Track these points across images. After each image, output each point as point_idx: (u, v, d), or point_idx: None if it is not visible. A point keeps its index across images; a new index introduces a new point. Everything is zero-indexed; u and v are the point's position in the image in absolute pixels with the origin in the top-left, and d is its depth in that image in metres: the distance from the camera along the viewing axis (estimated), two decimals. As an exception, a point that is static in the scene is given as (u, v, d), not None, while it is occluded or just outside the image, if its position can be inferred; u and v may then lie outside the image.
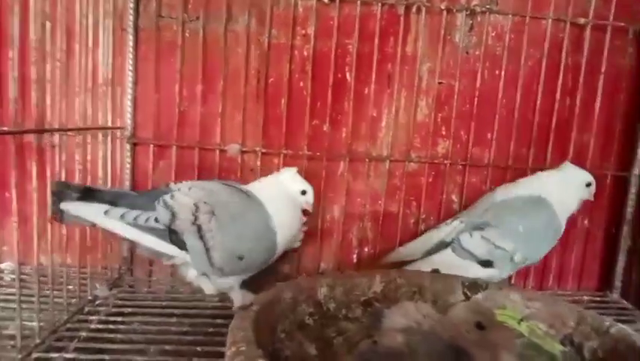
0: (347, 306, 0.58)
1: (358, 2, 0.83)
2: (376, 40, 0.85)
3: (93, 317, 0.70)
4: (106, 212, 0.64)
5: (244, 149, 0.86)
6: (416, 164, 0.89)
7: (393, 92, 0.88)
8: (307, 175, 0.85)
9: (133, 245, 0.85)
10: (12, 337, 0.58)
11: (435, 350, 0.41)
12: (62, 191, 0.64)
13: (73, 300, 0.71)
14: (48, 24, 0.61)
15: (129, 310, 0.74)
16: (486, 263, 0.75)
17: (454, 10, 0.86)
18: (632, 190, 0.88)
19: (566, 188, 0.78)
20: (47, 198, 0.64)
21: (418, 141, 0.89)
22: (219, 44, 0.84)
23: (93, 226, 0.66)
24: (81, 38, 0.72)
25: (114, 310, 0.73)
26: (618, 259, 0.90)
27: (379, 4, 0.84)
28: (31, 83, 0.59)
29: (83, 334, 0.65)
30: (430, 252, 0.79)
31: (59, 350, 0.60)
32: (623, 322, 0.78)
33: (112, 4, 0.78)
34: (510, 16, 0.86)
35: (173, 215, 0.66)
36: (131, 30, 0.83)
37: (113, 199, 0.66)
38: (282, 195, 0.73)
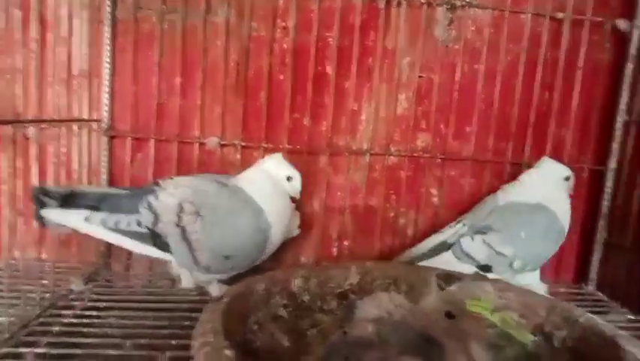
0: (322, 298, 0.58)
1: (338, -5, 0.83)
2: (357, 34, 0.84)
3: (67, 312, 0.69)
4: (86, 218, 0.64)
5: (223, 142, 0.85)
6: (396, 157, 0.89)
7: (373, 86, 0.87)
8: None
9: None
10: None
11: (405, 339, 0.41)
12: (42, 197, 0.63)
13: (47, 295, 0.70)
14: (18, 12, 0.60)
15: (105, 304, 0.73)
16: (485, 268, 0.75)
17: (434, 4, 0.86)
18: (608, 184, 0.89)
19: (549, 186, 0.78)
20: (21, 192, 0.63)
21: (398, 134, 0.89)
22: (198, 37, 0.83)
23: (75, 232, 0.65)
24: (55, 29, 0.71)
25: (89, 304, 0.72)
26: (594, 252, 0.91)
27: (360, -3, 0.84)
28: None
29: (56, 328, 0.64)
30: (432, 253, 0.79)
31: (30, 344, 0.59)
32: (597, 313, 0.79)
33: (88, -6, 0.77)
34: (489, 10, 0.87)
35: (156, 217, 0.66)
36: (108, 22, 0.81)
37: (95, 202, 0.65)
38: (269, 184, 0.71)
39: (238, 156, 0.85)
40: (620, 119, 0.88)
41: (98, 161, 0.84)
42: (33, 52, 0.65)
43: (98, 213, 0.64)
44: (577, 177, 0.84)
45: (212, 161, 0.86)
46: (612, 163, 0.89)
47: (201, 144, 0.85)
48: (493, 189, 0.91)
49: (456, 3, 0.86)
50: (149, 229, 0.65)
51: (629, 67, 0.86)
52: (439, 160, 0.90)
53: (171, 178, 0.72)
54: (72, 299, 0.73)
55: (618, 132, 0.88)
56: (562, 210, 0.78)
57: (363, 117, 0.89)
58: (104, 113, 0.83)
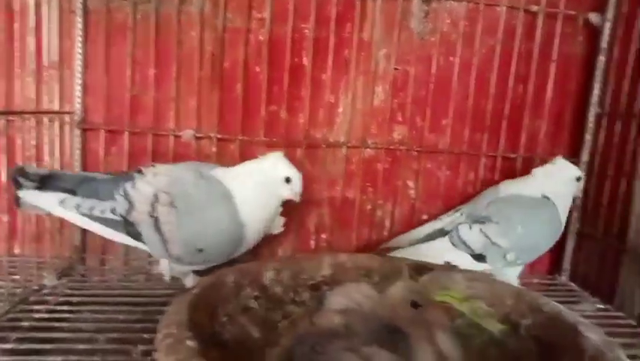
0: (294, 290, 0.58)
1: (314, -14, 0.82)
2: (333, 26, 0.84)
3: (39, 307, 0.68)
4: (61, 202, 0.63)
5: (199, 135, 0.84)
6: (373, 150, 0.90)
7: (350, 78, 0.87)
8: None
9: (85, 233, 0.85)
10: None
11: (371, 329, 0.42)
12: (20, 177, 0.63)
13: (18, 290, 0.69)
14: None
15: (78, 299, 0.72)
16: (479, 257, 0.75)
17: (410, -3, 0.86)
18: (581, 176, 0.91)
19: (558, 184, 0.79)
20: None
21: (375, 127, 0.90)
22: (172, 28, 0.82)
23: (49, 214, 0.65)
24: (23, 18, 0.70)
25: (62, 299, 0.72)
26: (567, 243, 0.92)
27: (336, -11, 0.84)
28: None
29: (26, 324, 0.63)
30: (428, 239, 0.80)
31: (-2, 340, 0.59)
32: (570, 303, 0.81)
33: (58, -16, 0.76)
34: (465, 3, 0.87)
35: (131, 206, 0.65)
36: (79, 12, 0.80)
37: (74, 186, 0.65)
38: (258, 183, 0.68)
39: (214, 149, 0.85)
40: (593, 111, 0.89)
41: (70, 154, 0.83)
42: None
43: (73, 198, 0.64)
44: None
45: (187, 153, 0.85)
46: (585, 155, 0.91)
47: (176, 137, 0.84)
48: (468, 181, 0.93)
49: (432, -5, 0.86)
50: (122, 217, 0.64)
51: (601, 60, 0.88)
52: (416, 152, 0.90)
53: (153, 166, 0.70)
54: (45, 294, 0.72)
55: (590, 124, 0.90)
56: (563, 206, 0.79)
57: (340, 110, 0.89)
58: (77, 105, 0.82)
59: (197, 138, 0.84)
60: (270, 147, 0.86)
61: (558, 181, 0.79)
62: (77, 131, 0.82)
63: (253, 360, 0.46)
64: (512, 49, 0.89)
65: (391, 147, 0.90)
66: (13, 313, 0.65)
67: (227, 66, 0.85)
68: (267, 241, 0.89)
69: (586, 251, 0.89)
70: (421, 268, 0.59)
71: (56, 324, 0.64)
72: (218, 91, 0.84)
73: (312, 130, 0.88)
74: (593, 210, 0.85)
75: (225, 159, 0.85)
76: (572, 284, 0.91)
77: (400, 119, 0.90)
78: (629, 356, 0.63)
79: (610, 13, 0.86)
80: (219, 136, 0.85)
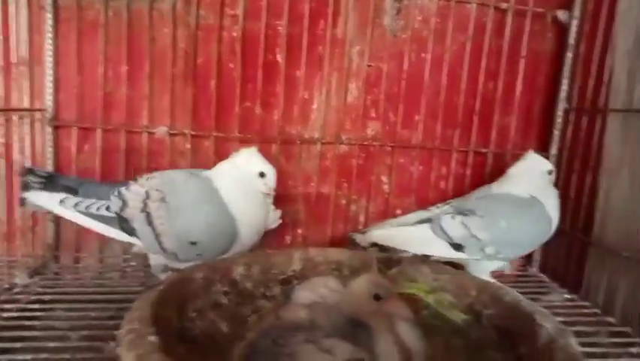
0: (265, 285, 0.59)
1: (287, -17, 0.83)
2: (306, 23, 0.85)
3: (9, 306, 0.68)
4: (61, 201, 0.68)
5: (173, 131, 0.84)
6: (347, 146, 0.91)
7: (324, 75, 0.88)
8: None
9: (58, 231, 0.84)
10: None
11: (334, 322, 0.43)
12: (29, 178, 0.68)
13: (-12, 289, 0.69)
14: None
15: (50, 297, 0.72)
16: (457, 246, 0.77)
17: (382, -6, 0.87)
18: (550, 169, 0.93)
19: (533, 179, 0.80)
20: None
21: (349, 123, 0.91)
22: (144, 24, 0.82)
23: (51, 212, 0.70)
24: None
25: (34, 298, 0.71)
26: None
27: (308, -14, 0.84)
28: None
29: (-5, 323, 0.63)
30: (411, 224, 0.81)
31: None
32: (540, 293, 0.84)
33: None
34: (436, 0, 0.88)
35: (124, 203, 0.68)
36: (49, 8, 0.79)
37: (75, 186, 0.69)
38: (237, 179, 0.70)
39: (188, 146, 0.85)
40: (561, 106, 0.92)
41: (42, 152, 0.82)
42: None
43: (73, 198, 0.68)
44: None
45: (161, 150, 0.85)
46: (553, 150, 0.93)
47: (150, 134, 0.84)
48: (441, 176, 0.94)
49: (403, -8, 0.87)
50: (116, 213, 0.68)
51: (569, 56, 0.90)
52: (389, 148, 0.92)
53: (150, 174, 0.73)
54: (16, 293, 0.72)
55: (559, 120, 0.92)
56: (551, 205, 0.80)
57: (314, 106, 0.89)
58: (48, 103, 0.81)
59: (171, 135, 0.84)
60: (245, 143, 0.86)
61: (534, 177, 0.81)
62: (49, 129, 0.82)
63: (221, 355, 0.47)
64: (483, 45, 0.90)
65: (365, 143, 0.91)
66: (-18, 312, 0.65)
67: (201, 63, 0.85)
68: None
69: (555, 244, 0.91)
70: (389, 262, 0.61)
71: (27, 323, 0.64)
72: (192, 88, 0.84)
73: (286, 126, 0.89)
74: (561, 204, 0.87)
75: (200, 156, 0.85)
76: (542, 275, 0.94)
77: (373, 115, 0.91)
78: (593, 342, 0.67)
79: (576, 11, 0.88)
80: (193, 133, 0.85)
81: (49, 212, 0.70)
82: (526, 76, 0.92)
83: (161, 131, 0.84)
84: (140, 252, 0.75)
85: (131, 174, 0.81)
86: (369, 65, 0.89)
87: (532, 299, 0.77)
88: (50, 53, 0.80)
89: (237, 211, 0.69)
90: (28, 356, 0.56)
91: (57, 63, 0.81)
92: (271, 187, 0.73)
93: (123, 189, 0.70)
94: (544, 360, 0.42)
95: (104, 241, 0.86)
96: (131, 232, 0.69)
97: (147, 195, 0.68)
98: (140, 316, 0.38)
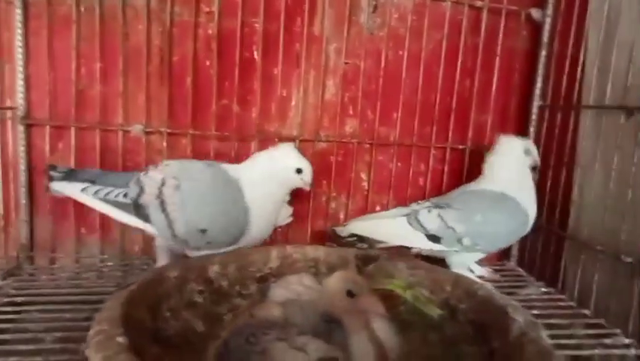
0: (241, 283, 0.59)
1: (262, -20, 0.82)
2: (283, 20, 0.84)
3: (-21, 308, 0.66)
4: (83, 189, 0.71)
5: (149, 129, 0.83)
6: (325, 143, 0.91)
7: (301, 72, 0.88)
8: (216, 156, 0.85)
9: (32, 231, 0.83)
10: None
11: (308, 319, 0.42)
12: (52, 172, 0.73)
13: (-43, 292, 0.67)
14: None
15: (23, 298, 0.70)
16: (433, 238, 0.78)
17: (359, -9, 0.87)
18: (526, 165, 0.94)
19: (511, 163, 0.82)
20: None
21: (327, 120, 0.91)
22: (118, 21, 0.80)
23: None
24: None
25: (6, 300, 0.70)
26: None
27: (284, -17, 0.84)
28: None
29: (-37, 326, 0.61)
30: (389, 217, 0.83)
31: None
32: (517, 287, 0.85)
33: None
34: (412, -3, 0.89)
35: (141, 190, 0.70)
36: (18, 3, 0.77)
37: (93, 178, 0.73)
38: (267, 172, 0.72)
39: (164, 144, 0.84)
40: (536, 103, 0.93)
41: (14, 151, 0.80)
42: None
43: (93, 186, 0.71)
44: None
45: (137, 149, 0.84)
46: (529, 145, 0.94)
47: (125, 132, 0.83)
48: (419, 172, 0.95)
49: (379, -10, 0.87)
50: (133, 200, 0.70)
51: (542, 54, 0.91)
52: (368, 145, 0.92)
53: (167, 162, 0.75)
54: (-13, 295, 0.70)
55: (534, 116, 0.93)
56: (526, 198, 0.81)
57: (292, 103, 0.89)
58: (20, 101, 0.79)
59: (147, 133, 0.83)
60: (223, 141, 0.86)
61: (510, 162, 0.82)
62: (21, 127, 0.80)
63: (196, 354, 0.47)
64: (459, 43, 0.91)
65: (343, 140, 0.91)
66: (-49, 316, 0.63)
67: (177, 60, 0.84)
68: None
69: (532, 238, 0.93)
70: (367, 258, 0.61)
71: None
72: (168, 85, 0.83)
73: (264, 124, 0.88)
74: (538, 199, 0.88)
75: (177, 154, 0.84)
76: (520, 269, 0.95)
77: (351, 112, 0.91)
78: (569, 333, 0.68)
79: (549, 9, 0.89)
80: (170, 131, 0.84)
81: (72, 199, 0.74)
82: (501, 73, 0.93)
83: (137, 129, 0.82)
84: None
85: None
86: (346, 63, 0.89)
87: (509, 293, 0.79)
88: (21, 49, 0.78)
89: (253, 203, 0.70)
90: (-1, 360, 0.54)
91: (28, 60, 0.79)
92: (307, 182, 0.75)
93: (142, 175, 0.72)
94: (516, 353, 0.43)
95: (80, 241, 0.85)
96: (145, 218, 0.70)
97: (163, 182, 0.70)
98: (110, 316, 0.38)
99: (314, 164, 0.89)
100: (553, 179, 0.89)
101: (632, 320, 0.68)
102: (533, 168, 0.85)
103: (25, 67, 0.79)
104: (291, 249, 0.62)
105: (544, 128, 0.92)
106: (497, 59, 0.92)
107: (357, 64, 0.89)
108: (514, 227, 0.81)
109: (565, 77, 0.86)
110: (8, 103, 0.79)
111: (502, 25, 0.91)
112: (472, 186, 0.84)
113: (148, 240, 0.86)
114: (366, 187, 0.93)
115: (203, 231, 0.69)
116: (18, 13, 0.77)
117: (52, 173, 0.73)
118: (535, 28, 0.93)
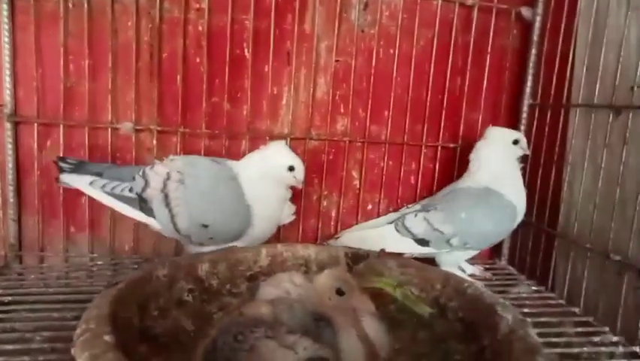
0: (231, 281, 0.58)
1: (252, -23, 0.82)
2: (273, 17, 0.84)
3: (-34, 309, 0.65)
4: (91, 183, 0.72)
5: (138, 127, 0.82)
6: (316, 141, 0.90)
7: (292, 70, 0.88)
8: (207, 154, 0.85)
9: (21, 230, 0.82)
10: None
11: (297, 317, 0.42)
12: (61, 163, 0.73)
13: (-57, 292, 0.66)
14: None
15: (11, 298, 0.70)
16: (422, 242, 0.78)
17: (348, -12, 0.87)
18: (517, 164, 0.95)
19: (498, 153, 0.82)
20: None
21: (318, 118, 0.90)
22: (106, 17, 0.79)
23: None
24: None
25: (-6, 299, 0.69)
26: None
27: (274, -21, 0.83)
28: None
29: (-49, 327, 0.61)
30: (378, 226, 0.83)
31: None
32: (508, 286, 0.85)
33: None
34: (402, -5, 0.89)
35: (146, 184, 0.70)
36: (5, -1, 0.76)
37: (100, 171, 0.73)
38: (262, 170, 0.72)
39: (154, 142, 0.83)
40: (526, 102, 0.93)
41: (2, 149, 0.79)
42: None
43: (101, 180, 0.72)
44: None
45: (127, 147, 0.83)
46: (520, 144, 0.94)
47: (114, 130, 0.82)
48: (411, 171, 0.95)
49: (369, -13, 0.87)
50: (137, 194, 0.70)
51: (533, 52, 0.91)
52: (359, 144, 0.92)
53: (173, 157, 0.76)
54: (-27, 295, 0.69)
55: (524, 114, 0.94)
56: (513, 190, 0.81)
57: (283, 101, 0.89)
58: (7, 98, 0.78)
59: (137, 131, 0.83)
60: (213, 139, 0.85)
61: (498, 154, 0.82)
62: (8, 125, 0.79)
63: (185, 352, 0.46)
64: (449, 41, 0.91)
65: (335, 139, 0.91)
66: (-64, 316, 0.62)
67: (166, 57, 0.83)
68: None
69: (522, 236, 0.94)
70: (357, 257, 0.61)
71: (-15, 325, 0.62)
72: (157, 82, 0.83)
73: (255, 122, 0.88)
74: (528, 198, 0.89)
75: (167, 152, 0.83)
76: (511, 268, 0.95)
77: (342, 110, 0.91)
78: (559, 331, 0.68)
79: (540, 8, 0.90)
80: (159, 128, 0.83)
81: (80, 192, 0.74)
82: (492, 72, 0.93)
83: (127, 127, 0.82)
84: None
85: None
86: (337, 61, 0.89)
87: (500, 292, 0.79)
88: (7, 45, 0.77)
89: (254, 201, 0.71)
90: (-15, 361, 0.54)
91: (15, 56, 0.78)
92: (300, 180, 0.75)
93: (147, 169, 0.72)
94: (505, 351, 0.43)
95: (69, 239, 0.84)
96: (149, 212, 0.71)
97: (168, 176, 0.71)
98: (97, 315, 0.37)
99: (306, 162, 0.89)
100: (543, 177, 0.89)
101: (620, 317, 0.69)
102: (522, 161, 0.85)
103: (12, 63, 0.78)
104: (281, 247, 0.62)
105: (535, 126, 0.92)
106: (488, 57, 0.92)
107: (348, 62, 0.89)
108: (500, 221, 0.81)
109: (555, 76, 0.86)
110: (-5, 100, 0.78)
111: (492, 23, 0.91)
112: (459, 183, 0.84)
113: (138, 238, 0.85)
114: (358, 185, 0.93)
115: (205, 226, 0.70)
116: (4, 8, 0.76)
117: (61, 164, 0.73)
118: (526, 26, 0.93)
